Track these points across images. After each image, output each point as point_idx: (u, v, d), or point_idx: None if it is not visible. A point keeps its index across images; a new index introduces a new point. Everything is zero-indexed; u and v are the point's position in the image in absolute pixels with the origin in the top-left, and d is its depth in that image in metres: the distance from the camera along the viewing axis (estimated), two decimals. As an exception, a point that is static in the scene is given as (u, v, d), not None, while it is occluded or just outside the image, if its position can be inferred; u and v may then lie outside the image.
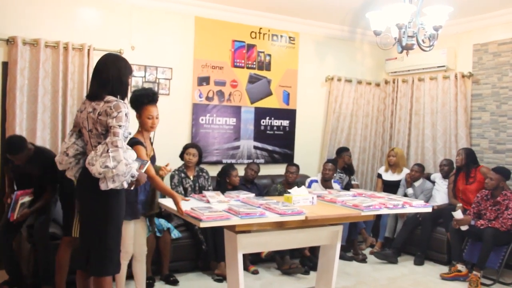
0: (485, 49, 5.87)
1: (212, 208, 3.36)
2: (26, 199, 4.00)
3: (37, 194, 4.10)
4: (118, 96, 2.94)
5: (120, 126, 2.79)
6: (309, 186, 5.63)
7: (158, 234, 4.59)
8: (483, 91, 5.91)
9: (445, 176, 5.84)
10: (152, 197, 3.74)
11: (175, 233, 4.75)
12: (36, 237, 4.05)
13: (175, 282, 4.54)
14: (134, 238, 3.64)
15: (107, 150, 2.74)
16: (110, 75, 2.92)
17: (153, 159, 3.67)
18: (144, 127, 3.60)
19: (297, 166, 5.66)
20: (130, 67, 3.09)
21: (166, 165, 3.77)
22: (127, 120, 2.84)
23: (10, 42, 4.71)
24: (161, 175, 3.66)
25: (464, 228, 4.99)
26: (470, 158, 5.55)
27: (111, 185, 2.74)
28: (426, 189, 5.90)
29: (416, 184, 5.93)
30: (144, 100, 3.56)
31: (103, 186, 2.74)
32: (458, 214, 4.97)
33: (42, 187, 4.09)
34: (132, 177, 2.83)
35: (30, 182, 4.09)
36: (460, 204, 5.14)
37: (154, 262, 4.54)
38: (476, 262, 4.84)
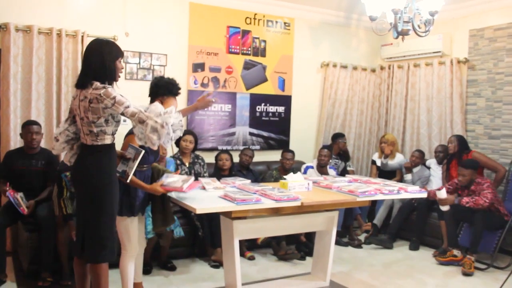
0: (481, 35, 5.85)
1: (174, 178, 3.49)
2: (20, 194, 4.14)
3: (38, 191, 4.36)
4: (106, 83, 2.88)
5: (127, 106, 2.79)
6: (305, 172, 5.64)
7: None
8: (478, 77, 5.90)
9: (440, 162, 5.85)
10: (164, 208, 3.61)
11: (178, 231, 4.55)
12: (41, 224, 4.06)
13: (173, 268, 4.57)
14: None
15: (145, 131, 2.78)
16: (92, 61, 2.88)
17: (156, 154, 3.57)
18: None
19: (293, 153, 5.66)
20: (118, 50, 2.99)
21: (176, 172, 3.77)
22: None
23: (3, 28, 4.67)
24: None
25: (444, 208, 5.02)
26: (462, 144, 5.56)
27: (175, 135, 2.94)
28: (423, 176, 5.87)
29: (415, 170, 5.94)
30: (173, 90, 3.44)
31: (173, 136, 2.91)
32: (442, 194, 4.97)
33: (42, 184, 4.38)
34: (180, 121, 2.98)
35: (30, 182, 4.34)
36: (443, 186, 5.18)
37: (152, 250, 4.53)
38: (468, 246, 4.89)
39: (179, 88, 3.51)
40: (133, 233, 3.46)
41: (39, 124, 4.47)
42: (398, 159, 6.17)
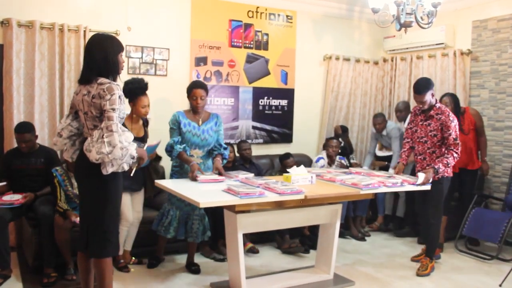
0: (484, 26, 5.82)
1: None
2: (10, 196, 4.16)
3: (39, 190, 4.35)
4: (110, 77, 2.90)
5: (114, 109, 2.76)
6: (317, 161, 5.67)
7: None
8: (482, 68, 5.88)
9: (401, 120, 5.94)
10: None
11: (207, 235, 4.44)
12: (41, 220, 4.05)
13: (197, 271, 4.40)
14: (132, 206, 4.35)
15: (102, 136, 2.72)
16: (96, 56, 2.88)
17: (142, 140, 4.16)
18: (137, 114, 4.23)
19: (293, 157, 5.58)
20: (119, 44, 3.00)
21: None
22: (121, 103, 2.81)
23: (5, 24, 4.67)
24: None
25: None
26: (456, 104, 5.03)
27: (110, 169, 2.74)
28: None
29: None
30: (138, 92, 4.16)
31: (104, 171, 2.75)
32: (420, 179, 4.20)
33: (43, 182, 4.35)
34: (132, 158, 2.83)
35: (30, 180, 4.33)
36: None
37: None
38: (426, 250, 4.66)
39: (142, 88, 4.22)
40: (125, 207, 4.19)
41: (31, 130, 4.32)
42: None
